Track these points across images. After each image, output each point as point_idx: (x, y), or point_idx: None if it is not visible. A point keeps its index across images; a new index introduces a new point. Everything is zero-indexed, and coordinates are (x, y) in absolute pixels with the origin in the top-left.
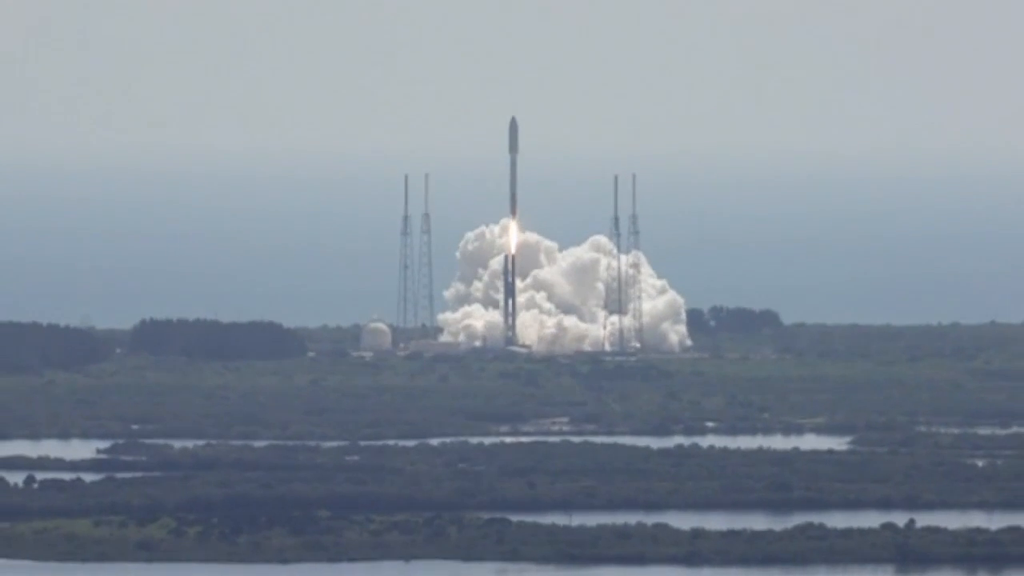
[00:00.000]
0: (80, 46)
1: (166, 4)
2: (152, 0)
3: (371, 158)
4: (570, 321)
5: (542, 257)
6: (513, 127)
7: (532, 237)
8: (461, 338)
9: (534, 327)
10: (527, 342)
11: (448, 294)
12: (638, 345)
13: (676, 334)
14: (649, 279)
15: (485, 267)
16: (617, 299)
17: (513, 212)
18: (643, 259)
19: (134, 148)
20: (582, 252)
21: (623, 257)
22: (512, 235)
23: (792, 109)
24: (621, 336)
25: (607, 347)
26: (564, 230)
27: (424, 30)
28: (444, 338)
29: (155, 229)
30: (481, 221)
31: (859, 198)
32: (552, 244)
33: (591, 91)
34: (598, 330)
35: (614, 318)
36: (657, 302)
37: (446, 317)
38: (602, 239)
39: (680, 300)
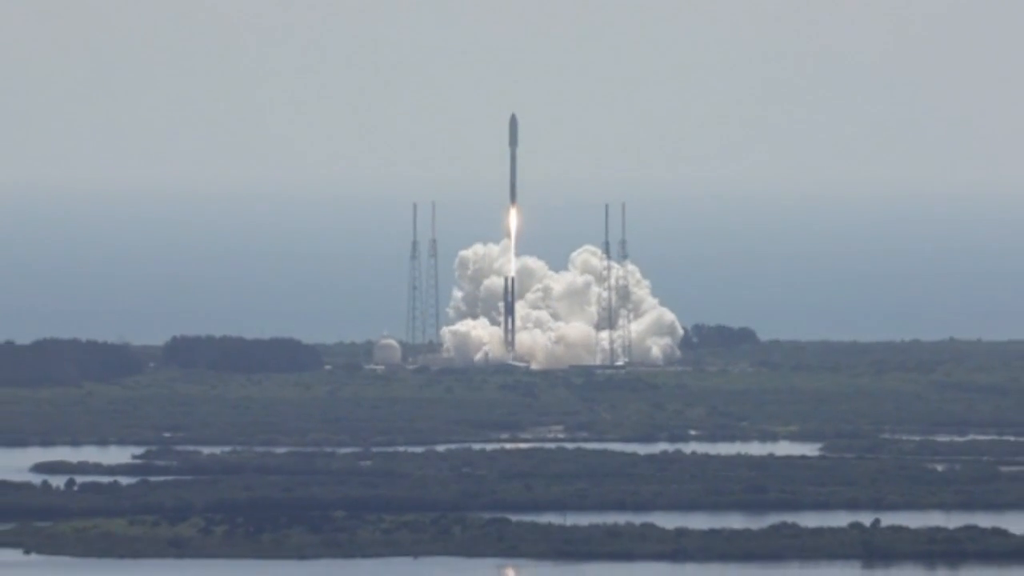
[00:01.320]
0: (117, 76)
1: (193, 50)
2: (180, 45)
3: (383, 188)
4: (569, 329)
5: (536, 282)
6: (513, 123)
7: (530, 261)
8: (451, 352)
9: (537, 346)
10: (526, 358)
11: (452, 311)
12: (627, 359)
13: (658, 348)
14: (642, 291)
15: (482, 286)
16: (607, 318)
17: (513, 200)
18: (638, 273)
19: (172, 180)
20: (574, 277)
21: (614, 269)
22: (512, 221)
23: (767, 143)
24: (611, 351)
25: (599, 361)
26: (558, 246)
27: (421, 73)
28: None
29: (185, 254)
30: (481, 242)
31: (829, 225)
32: (551, 272)
33: (585, 119)
34: (592, 334)
35: (604, 334)
36: (644, 319)
37: (447, 331)
38: (592, 258)
39: (669, 316)
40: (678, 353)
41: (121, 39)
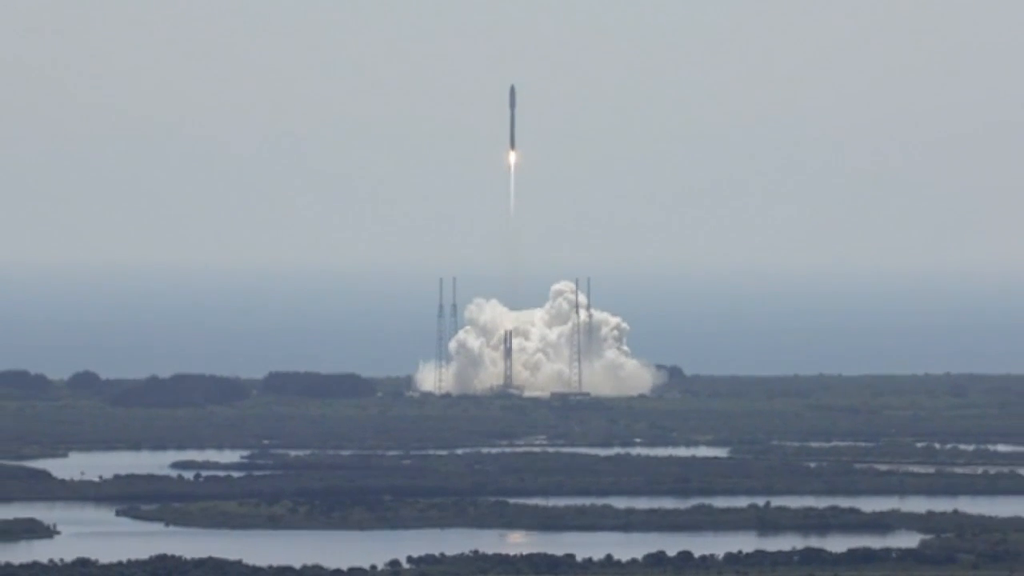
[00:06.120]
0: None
1: (237, 137)
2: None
3: (419, 267)
4: (551, 367)
5: (532, 328)
6: (512, 92)
7: (525, 315)
8: (450, 383)
9: (529, 379)
10: (521, 387)
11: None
12: (588, 392)
13: (611, 382)
14: (611, 330)
15: (492, 337)
16: (579, 359)
17: (512, 146)
18: (607, 317)
19: (267, 260)
20: (552, 334)
21: (583, 319)
22: (512, 159)
23: (699, 227)
24: (580, 383)
25: (570, 390)
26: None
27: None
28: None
29: (279, 312)
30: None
31: (736, 293)
32: (538, 315)
33: (555, 204)
34: (564, 367)
35: (575, 371)
36: (601, 361)
37: (456, 341)
38: (564, 297)
39: (621, 360)
40: (656, 376)
41: (215, 139)
